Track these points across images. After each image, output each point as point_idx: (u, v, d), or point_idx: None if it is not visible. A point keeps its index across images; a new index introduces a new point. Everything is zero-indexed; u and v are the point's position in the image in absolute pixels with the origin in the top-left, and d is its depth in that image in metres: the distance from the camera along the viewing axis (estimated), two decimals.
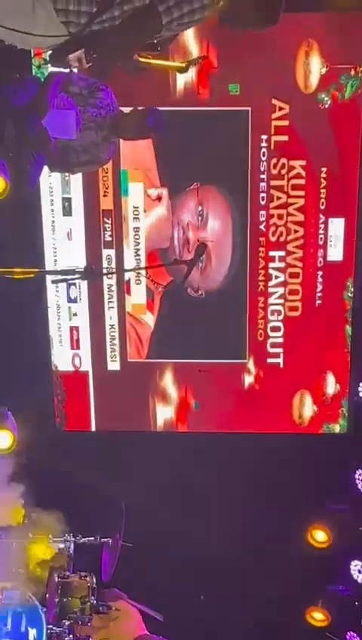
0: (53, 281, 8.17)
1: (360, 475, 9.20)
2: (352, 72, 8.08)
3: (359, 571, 9.40)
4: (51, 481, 8.63)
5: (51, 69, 7.47)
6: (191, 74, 8.12)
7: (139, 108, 7.67)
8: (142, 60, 6.50)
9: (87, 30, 5.65)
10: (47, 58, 7.33)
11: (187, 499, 8.77)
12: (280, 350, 8.98)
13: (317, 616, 9.48)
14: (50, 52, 6.26)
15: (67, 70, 7.37)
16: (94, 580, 8.31)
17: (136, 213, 8.63)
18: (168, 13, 5.69)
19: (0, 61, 7.25)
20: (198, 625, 9.12)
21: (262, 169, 8.42)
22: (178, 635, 8.42)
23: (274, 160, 8.39)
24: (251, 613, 9.26)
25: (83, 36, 5.67)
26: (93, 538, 8.77)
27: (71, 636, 7.93)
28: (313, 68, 8.11)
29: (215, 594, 9.11)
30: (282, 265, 8.70)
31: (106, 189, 8.53)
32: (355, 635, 9.39)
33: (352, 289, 8.69)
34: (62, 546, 8.76)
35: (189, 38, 7.83)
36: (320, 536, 9.30)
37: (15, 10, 5.64)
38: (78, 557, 8.91)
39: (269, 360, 9.02)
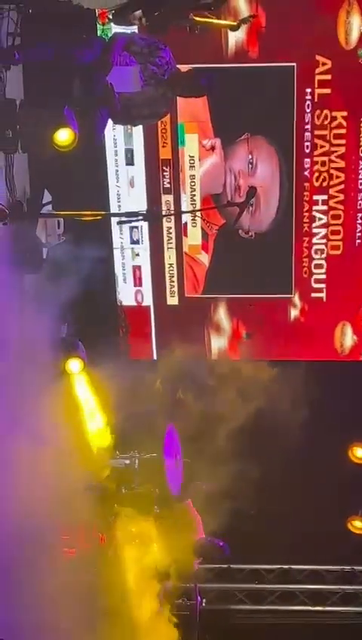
0: (119, 222, 8.28)
1: None
2: None
3: None
4: (118, 406, 8.61)
5: (115, 29, 7.59)
6: (242, 34, 8.13)
7: (195, 67, 7.67)
8: (197, 19, 6.52)
9: None
10: (111, 17, 7.34)
11: (237, 421, 8.65)
12: (323, 285, 9.02)
13: (358, 525, 9.52)
14: (113, 12, 6.25)
15: (129, 31, 7.38)
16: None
17: (191, 162, 8.69)
18: None
19: (68, 23, 7.33)
20: (245, 536, 9.13)
21: (306, 120, 8.43)
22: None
23: (318, 111, 8.40)
24: (298, 522, 9.32)
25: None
26: (155, 454, 8.73)
27: None
28: (353, 26, 8.09)
29: (264, 505, 9.03)
30: (325, 208, 8.73)
31: (165, 140, 8.59)
32: None
33: None
34: (128, 462, 8.88)
35: (240, 0, 7.86)
36: (360, 452, 9.29)
37: None
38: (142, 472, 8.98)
39: (313, 294, 9.07)
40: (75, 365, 8.50)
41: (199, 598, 8.60)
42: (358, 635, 9.76)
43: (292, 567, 10.06)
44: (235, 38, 8.19)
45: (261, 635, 9.61)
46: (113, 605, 7.68)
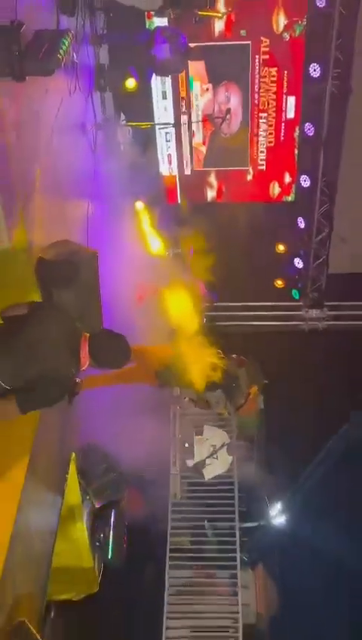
0: (159, 129, 8.56)
1: (301, 221, 9.32)
2: (299, 22, 8.02)
3: (297, 263, 9.55)
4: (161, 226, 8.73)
5: (156, 23, 7.62)
6: (222, 25, 8.06)
7: (197, 45, 7.76)
8: (200, 13, 6.60)
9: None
10: (153, 14, 7.40)
11: (217, 230, 8.32)
12: (264, 162, 9.07)
13: (279, 283, 9.76)
14: (154, 12, 6.37)
15: (163, 24, 7.47)
16: None
17: (196, 97, 8.67)
18: None
19: (131, 20, 7.43)
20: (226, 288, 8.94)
21: (255, 72, 8.43)
22: None
23: (262, 68, 8.39)
24: (253, 279, 9.23)
25: (172, 1, 5.80)
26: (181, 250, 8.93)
27: None
28: (280, 20, 8.06)
29: (233, 271, 8.61)
30: (265, 120, 8.75)
31: (182, 85, 8.54)
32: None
33: (298, 131, 8.74)
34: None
35: (221, 2, 7.74)
36: (280, 247, 9.57)
37: None
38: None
39: (259, 167, 9.13)
40: (139, 204, 8.70)
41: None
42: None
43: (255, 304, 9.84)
44: (218, 27, 8.09)
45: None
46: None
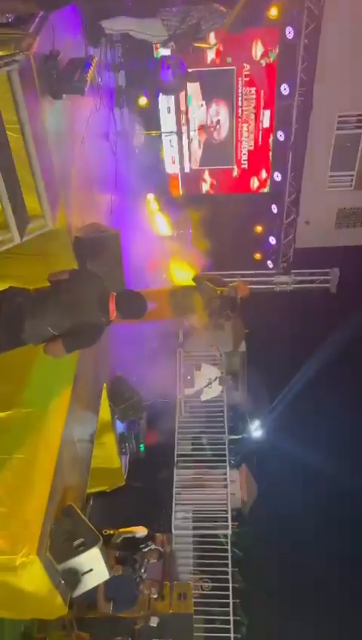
0: (165, 135, 8.30)
1: (274, 207, 9.08)
2: (273, 50, 7.81)
3: (271, 240, 9.25)
4: (168, 213, 8.40)
5: (162, 52, 7.37)
6: (213, 53, 7.88)
7: (194, 69, 7.50)
8: (196, 44, 6.46)
9: (175, 34, 5.56)
10: (159, 46, 7.21)
11: (209, 215, 8.20)
12: (246, 161, 8.88)
13: (257, 255, 9.56)
14: (160, 44, 6.21)
15: (167, 52, 7.22)
16: None
17: (193, 111, 8.46)
18: (205, 26, 5.67)
19: (142, 50, 7.15)
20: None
21: (239, 91, 8.24)
22: None
23: (244, 87, 8.21)
24: (238, 253, 9.10)
25: (174, 35, 5.66)
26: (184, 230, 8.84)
27: None
28: (258, 49, 7.87)
29: (221, 243, 8.08)
30: (246, 129, 8.57)
31: (183, 102, 8.31)
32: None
33: (272, 137, 8.55)
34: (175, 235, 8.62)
35: (212, 35, 7.29)
36: (259, 228, 9.24)
37: (150, 29, 5.58)
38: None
39: (242, 166, 8.93)
40: (150, 195, 8.56)
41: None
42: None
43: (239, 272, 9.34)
44: (210, 56, 7.92)
45: None
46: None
